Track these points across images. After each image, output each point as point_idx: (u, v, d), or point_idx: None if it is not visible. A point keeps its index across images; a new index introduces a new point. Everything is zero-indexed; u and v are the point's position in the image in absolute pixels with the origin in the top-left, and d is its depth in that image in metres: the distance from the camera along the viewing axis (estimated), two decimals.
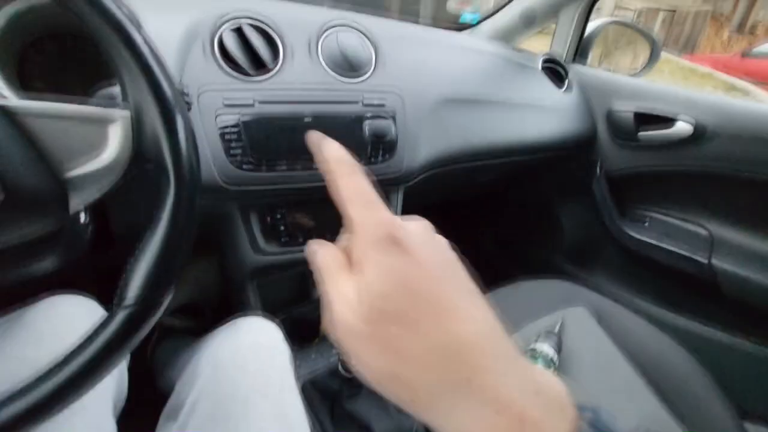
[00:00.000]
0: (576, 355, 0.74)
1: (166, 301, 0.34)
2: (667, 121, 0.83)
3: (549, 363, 0.65)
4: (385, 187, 0.65)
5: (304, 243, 0.63)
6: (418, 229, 0.21)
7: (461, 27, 1.09)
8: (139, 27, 0.32)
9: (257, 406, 0.42)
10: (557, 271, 1.11)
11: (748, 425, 0.76)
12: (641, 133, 0.87)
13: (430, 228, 0.22)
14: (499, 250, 1.36)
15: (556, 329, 0.74)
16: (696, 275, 0.81)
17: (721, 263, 0.78)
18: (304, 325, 0.74)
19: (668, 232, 0.89)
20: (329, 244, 0.22)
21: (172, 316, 0.88)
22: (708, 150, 0.78)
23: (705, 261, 0.79)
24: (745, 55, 6.89)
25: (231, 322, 0.54)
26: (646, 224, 0.93)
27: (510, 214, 1.29)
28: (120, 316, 0.32)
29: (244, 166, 0.53)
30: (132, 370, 0.52)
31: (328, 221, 0.62)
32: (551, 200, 1.11)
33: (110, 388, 0.44)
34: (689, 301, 0.85)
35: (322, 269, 0.21)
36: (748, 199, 0.79)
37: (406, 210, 0.73)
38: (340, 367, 0.59)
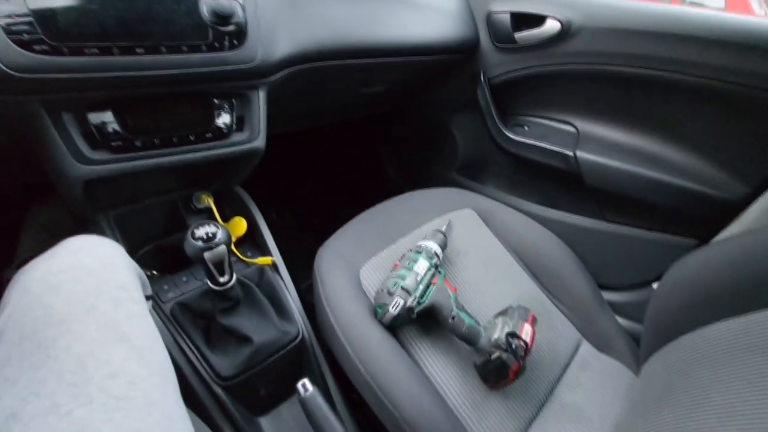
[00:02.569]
0: (463, 249, 0.77)
1: None
2: (540, 20, 0.85)
3: (432, 256, 0.66)
4: (242, 82, 0.57)
5: (144, 148, 0.54)
6: None
7: None
8: None
9: (79, 323, 0.35)
10: (452, 185, 1.15)
11: (604, 293, 0.89)
12: (517, 34, 0.88)
13: None
14: (396, 168, 1.36)
15: (443, 228, 0.76)
16: (564, 169, 0.88)
17: (584, 154, 0.85)
18: (175, 254, 0.67)
19: (544, 133, 0.94)
20: None
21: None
22: (574, 46, 0.82)
23: (571, 154, 0.86)
24: None
25: (55, 246, 0.45)
26: (526, 128, 0.97)
27: (405, 132, 1.28)
28: None
29: (35, 47, 0.42)
30: None
31: (171, 119, 0.53)
32: (443, 116, 1.11)
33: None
34: (561, 194, 0.93)
35: None
36: (607, 93, 0.85)
37: (277, 117, 0.67)
38: (210, 284, 0.54)
